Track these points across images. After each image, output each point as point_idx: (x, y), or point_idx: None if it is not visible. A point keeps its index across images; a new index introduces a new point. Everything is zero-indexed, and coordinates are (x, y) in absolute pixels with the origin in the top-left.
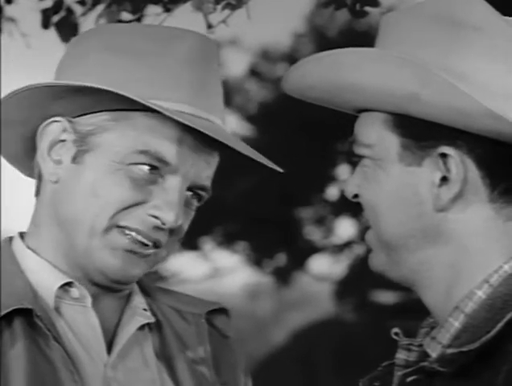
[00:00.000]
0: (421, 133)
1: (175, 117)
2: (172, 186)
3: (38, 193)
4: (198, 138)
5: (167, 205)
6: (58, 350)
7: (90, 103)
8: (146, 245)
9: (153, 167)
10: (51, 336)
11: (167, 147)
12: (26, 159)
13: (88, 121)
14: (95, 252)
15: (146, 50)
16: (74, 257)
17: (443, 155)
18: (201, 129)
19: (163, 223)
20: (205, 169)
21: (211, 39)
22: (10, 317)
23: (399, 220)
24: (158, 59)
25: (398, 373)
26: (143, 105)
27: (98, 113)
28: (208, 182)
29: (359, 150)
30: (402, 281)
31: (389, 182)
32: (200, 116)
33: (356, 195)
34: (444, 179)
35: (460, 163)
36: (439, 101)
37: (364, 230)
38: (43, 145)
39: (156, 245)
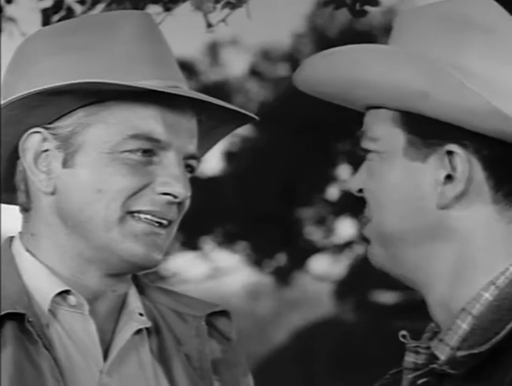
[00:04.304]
0: (428, 130)
1: (166, 90)
2: (171, 161)
3: (28, 209)
4: (176, 110)
5: (174, 179)
6: (47, 358)
7: (63, 105)
8: (162, 224)
9: (145, 151)
10: (42, 343)
11: (154, 125)
12: (4, 183)
13: (65, 123)
14: (117, 245)
15: (96, 39)
16: (90, 256)
17: (450, 153)
18: (186, 95)
19: (176, 197)
20: (190, 137)
21: (147, 12)
22: (1, 320)
23: (400, 213)
24: (111, 44)
25: (408, 376)
26: (115, 93)
27: (72, 113)
28: (196, 150)
29: (366, 144)
30: (403, 278)
31: (392, 176)
32: (170, 85)
33: (361, 190)
34: (449, 178)
35: (466, 162)
36: (447, 99)
37: (362, 223)
38: (28, 159)
39: (170, 222)
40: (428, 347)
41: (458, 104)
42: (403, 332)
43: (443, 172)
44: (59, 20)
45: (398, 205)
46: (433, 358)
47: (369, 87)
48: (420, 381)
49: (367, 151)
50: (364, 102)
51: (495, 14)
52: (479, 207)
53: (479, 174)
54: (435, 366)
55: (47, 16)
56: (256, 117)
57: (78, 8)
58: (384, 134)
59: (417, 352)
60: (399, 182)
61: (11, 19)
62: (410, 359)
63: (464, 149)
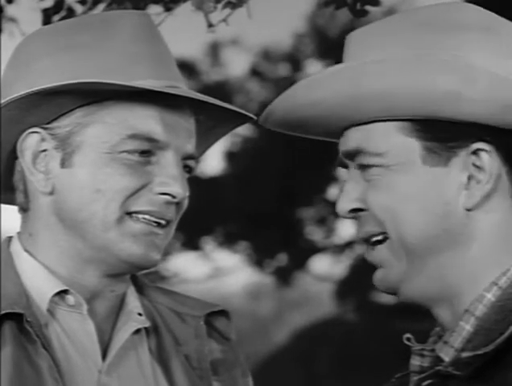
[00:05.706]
0: (448, 134)
1: (164, 90)
2: (169, 161)
3: (26, 209)
4: (174, 110)
5: (172, 179)
6: (45, 357)
7: (61, 105)
8: (160, 224)
9: (143, 151)
10: (40, 343)
11: (152, 125)
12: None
13: (63, 123)
14: (116, 245)
15: (94, 39)
16: (88, 256)
17: (475, 152)
18: (184, 94)
19: (174, 197)
20: (189, 137)
21: (146, 12)
22: (0, 320)
23: (424, 221)
24: (109, 44)
25: (414, 378)
26: (113, 93)
27: (70, 112)
28: (194, 150)
29: (367, 160)
30: (421, 296)
31: (412, 185)
32: (168, 85)
33: (354, 210)
34: (471, 178)
35: (494, 159)
36: (484, 97)
37: (369, 246)
38: (26, 159)
39: (168, 222)
40: (433, 350)
41: (496, 101)
42: (408, 335)
43: (466, 173)
44: (60, 20)
45: (421, 213)
46: (438, 360)
47: (383, 98)
48: (425, 383)
49: (366, 167)
50: (366, 116)
51: (488, 15)
52: (500, 203)
53: (501, 169)
54: (440, 368)
55: (47, 16)
56: (254, 117)
57: (79, 8)
58: (392, 146)
59: (422, 355)
60: (422, 191)
61: (12, 19)
62: (415, 362)
63: (490, 145)
